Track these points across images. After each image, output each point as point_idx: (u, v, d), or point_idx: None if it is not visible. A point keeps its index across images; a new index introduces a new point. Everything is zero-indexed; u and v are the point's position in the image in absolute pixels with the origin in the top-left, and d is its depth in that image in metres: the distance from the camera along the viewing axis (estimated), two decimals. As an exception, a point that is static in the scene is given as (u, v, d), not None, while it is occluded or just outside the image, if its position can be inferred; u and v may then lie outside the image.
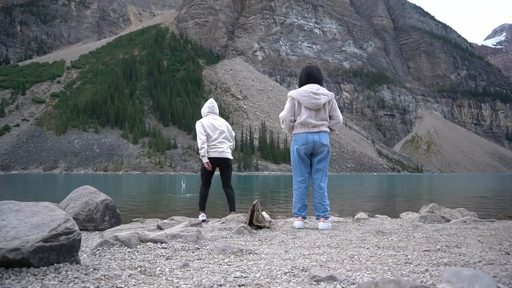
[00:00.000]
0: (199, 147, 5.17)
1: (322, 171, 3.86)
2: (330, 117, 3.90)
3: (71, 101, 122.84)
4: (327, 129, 3.88)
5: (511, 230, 3.36)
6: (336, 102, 3.95)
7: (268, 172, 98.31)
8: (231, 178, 5.38)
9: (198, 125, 5.19)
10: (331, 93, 3.90)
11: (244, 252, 2.28)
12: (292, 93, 3.90)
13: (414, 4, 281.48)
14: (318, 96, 3.81)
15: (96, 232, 3.92)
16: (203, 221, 4.81)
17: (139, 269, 1.75)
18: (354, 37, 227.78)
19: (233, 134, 5.42)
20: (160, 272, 1.72)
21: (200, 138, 5.12)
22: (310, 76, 3.93)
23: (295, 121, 3.88)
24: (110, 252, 2.14)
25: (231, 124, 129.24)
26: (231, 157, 5.32)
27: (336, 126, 3.94)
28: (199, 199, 5.26)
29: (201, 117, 5.40)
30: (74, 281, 1.48)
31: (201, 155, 5.15)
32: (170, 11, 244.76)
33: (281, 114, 3.94)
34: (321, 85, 3.93)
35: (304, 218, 3.94)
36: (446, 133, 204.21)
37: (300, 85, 3.98)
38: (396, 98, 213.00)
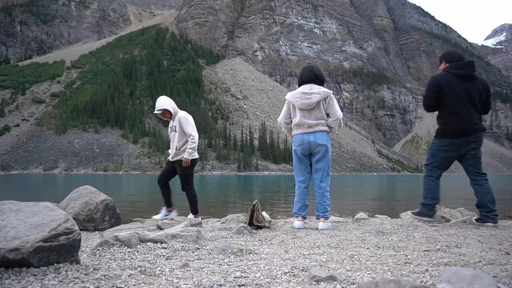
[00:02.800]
0: (196, 141, 4.87)
1: (321, 171, 3.84)
2: (328, 116, 3.86)
3: (71, 101, 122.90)
4: (325, 128, 3.83)
5: (511, 230, 3.36)
6: (334, 99, 3.88)
7: (268, 172, 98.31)
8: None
9: (191, 118, 4.98)
10: (328, 90, 3.83)
11: (244, 252, 2.27)
12: (287, 95, 3.97)
13: (414, 4, 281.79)
14: (309, 96, 3.80)
15: (96, 232, 3.92)
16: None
17: (139, 269, 1.74)
18: (354, 37, 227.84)
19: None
20: (160, 272, 1.71)
21: (196, 132, 4.93)
22: (304, 76, 3.95)
23: (292, 122, 3.94)
24: (110, 252, 2.14)
25: (231, 124, 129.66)
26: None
27: (334, 123, 3.84)
28: (194, 203, 4.94)
29: (174, 110, 5.02)
30: (74, 281, 1.47)
31: (193, 151, 4.87)
32: (170, 11, 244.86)
33: (278, 118, 4.07)
34: (319, 84, 3.90)
35: (304, 218, 3.94)
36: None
37: (298, 87, 4.00)
38: (396, 98, 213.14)
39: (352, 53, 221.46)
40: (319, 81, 3.91)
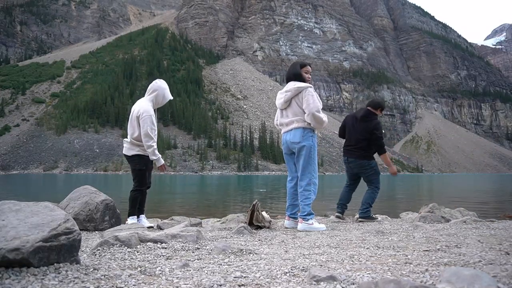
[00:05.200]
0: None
1: (301, 169, 3.74)
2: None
3: (71, 101, 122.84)
4: (300, 125, 3.71)
5: (511, 230, 3.36)
6: (310, 93, 3.68)
7: (268, 172, 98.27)
8: (134, 177, 4.40)
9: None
10: (302, 85, 3.70)
11: (244, 252, 2.28)
12: None
13: (414, 4, 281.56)
14: (282, 95, 3.82)
15: (96, 232, 3.92)
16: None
17: (139, 269, 1.75)
18: (354, 37, 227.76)
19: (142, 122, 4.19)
20: (160, 272, 1.72)
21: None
22: (285, 77, 4.00)
23: None
24: (110, 252, 2.14)
25: (231, 124, 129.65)
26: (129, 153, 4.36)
27: (308, 118, 3.65)
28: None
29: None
30: (74, 281, 1.48)
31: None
32: (170, 11, 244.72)
33: None
34: (297, 80, 3.79)
35: (291, 217, 3.91)
36: (446, 133, 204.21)
37: None
38: (396, 98, 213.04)
39: (352, 53, 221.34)
40: (295, 77, 3.80)
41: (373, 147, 4.63)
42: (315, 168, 3.76)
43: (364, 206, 4.60)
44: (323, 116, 3.68)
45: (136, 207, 4.35)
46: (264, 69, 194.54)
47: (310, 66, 3.94)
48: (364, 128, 4.59)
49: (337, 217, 4.75)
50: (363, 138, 4.59)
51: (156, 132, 4.29)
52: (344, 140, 4.93)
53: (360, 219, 4.57)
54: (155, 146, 4.23)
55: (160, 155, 4.30)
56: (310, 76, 3.88)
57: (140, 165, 4.31)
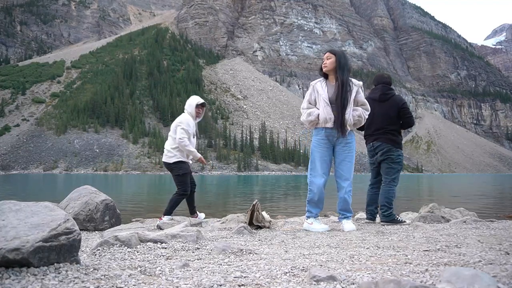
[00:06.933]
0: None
1: None
2: None
3: (71, 101, 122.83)
4: None
5: (511, 230, 3.36)
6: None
7: (268, 172, 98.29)
8: (176, 182, 5.01)
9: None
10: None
11: (244, 252, 2.27)
12: None
13: (414, 4, 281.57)
14: None
15: (96, 232, 3.92)
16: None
17: (139, 269, 1.75)
18: (354, 37, 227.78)
19: (177, 132, 4.84)
20: (160, 272, 1.72)
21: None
22: None
23: None
24: (110, 252, 2.14)
25: (231, 124, 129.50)
26: (168, 161, 5.07)
27: None
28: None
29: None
30: (74, 281, 1.48)
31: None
32: (170, 11, 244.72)
33: None
34: None
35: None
36: (446, 133, 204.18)
37: None
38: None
39: (352, 53, 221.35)
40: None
41: (403, 124, 4.14)
42: (311, 167, 3.71)
43: (383, 208, 4.06)
44: (303, 115, 3.73)
45: (174, 209, 4.74)
46: (264, 69, 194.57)
47: (329, 52, 3.85)
48: (390, 106, 4.12)
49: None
50: (389, 119, 4.09)
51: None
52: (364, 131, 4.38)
53: (382, 223, 4.06)
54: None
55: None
56: (326, 63, 3.79)
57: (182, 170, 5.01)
